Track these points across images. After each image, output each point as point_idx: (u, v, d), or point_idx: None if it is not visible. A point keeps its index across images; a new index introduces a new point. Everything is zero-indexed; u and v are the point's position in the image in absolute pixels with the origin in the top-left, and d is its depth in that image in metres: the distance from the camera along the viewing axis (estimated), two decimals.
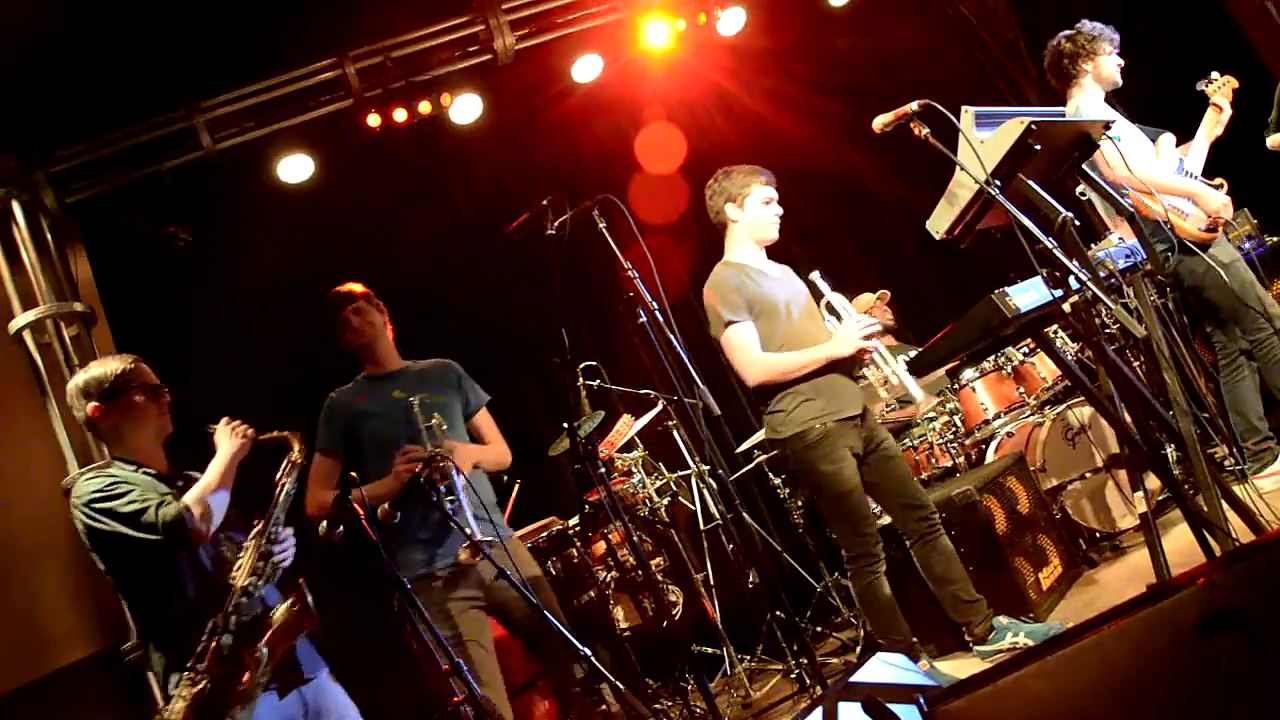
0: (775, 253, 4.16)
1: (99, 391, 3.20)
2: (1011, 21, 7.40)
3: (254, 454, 3.23)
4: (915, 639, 3.82)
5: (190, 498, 3.04)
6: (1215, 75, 4.72)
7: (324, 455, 3.71)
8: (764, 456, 5.67)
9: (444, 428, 3.60)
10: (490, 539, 3.35)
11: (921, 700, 1.60)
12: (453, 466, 3.43)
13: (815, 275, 4.07)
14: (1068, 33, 4.64)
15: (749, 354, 3.82)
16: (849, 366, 3.90)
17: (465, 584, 3.53)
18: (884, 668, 2.23)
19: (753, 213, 4.02)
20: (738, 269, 3.98)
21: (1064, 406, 4.95)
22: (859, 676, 2.18)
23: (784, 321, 3.89)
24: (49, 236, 5.38)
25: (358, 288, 3.93)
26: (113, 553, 3.03)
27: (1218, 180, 4.59)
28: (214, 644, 2.92)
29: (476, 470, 3.68)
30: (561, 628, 3.08)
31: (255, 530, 3.08)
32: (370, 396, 3.80)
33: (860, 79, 7.37)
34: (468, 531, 3.24)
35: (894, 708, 1.71)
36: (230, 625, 2.94)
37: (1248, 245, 5.20)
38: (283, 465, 3.23)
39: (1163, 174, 4.45)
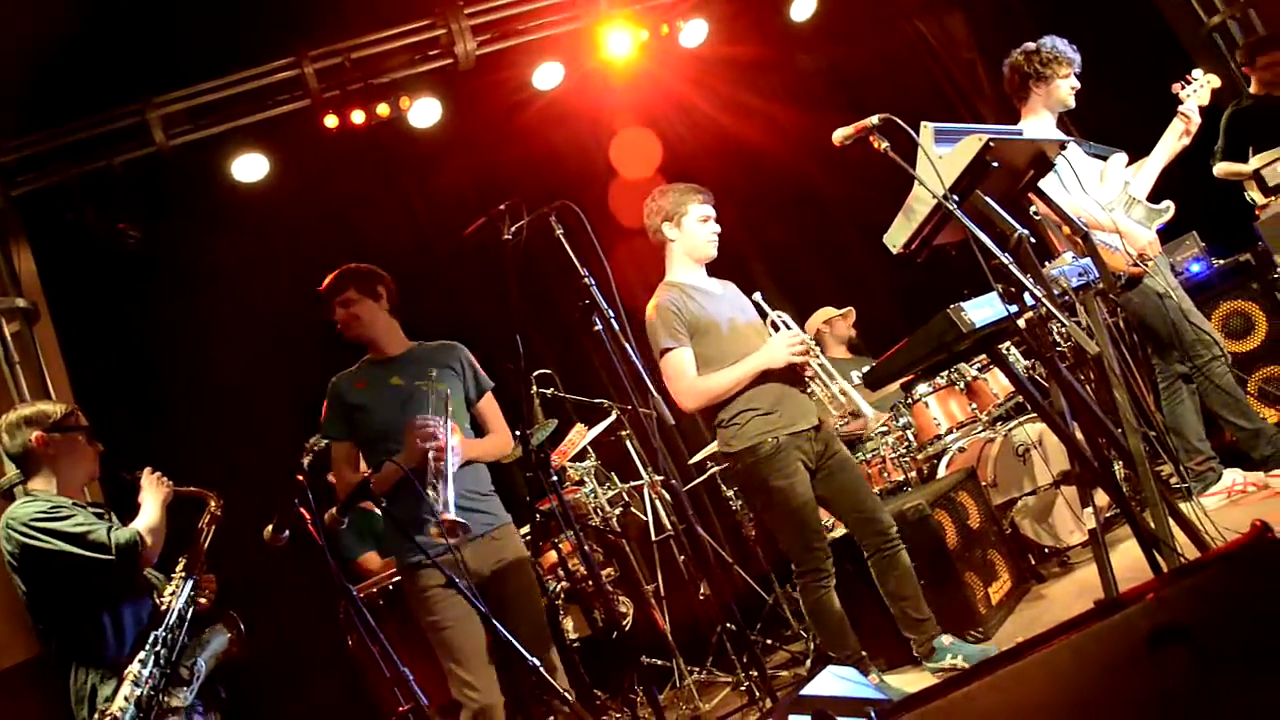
0: (733, 267, 4.15)
1: (47, 424, 3.32)
2: (970, 41, 7.52)
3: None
4: (864, 652, 3.82)
5: (141, 526, 3.24)
6: (1196, 74, 4.61)
7: (336, 443, 3.72)
8: (717, 468, 5.66)
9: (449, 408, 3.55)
10: (474, 528, 3.38)
11: (872, 714, 1.59)
12: (447, 455, 3.37)
13: (757, 296, 4.07)
14: (1027, 49, 4.53)
15: (683, 381, 3.82)
16: (796, 379, 3.90)
17: (450, 571, 3.35)
18: (835, 681, 2.22)
19: (690, 231, 4.01)
20: (678, 289, 3.96)
21: (1015, 423, 4.99)
22: (809, 689, 2.17)
23: (726, 339, 3.88)
24: None
25: (350, 271, 3.77)
26: (47, 572, 3.13)
27: (1165, 203, 4.52)
28: (155, 653, 3.11)
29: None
30: (510, 637, 3.01)
31: (184, 564, 3.36)
32: (369, 383, 3.71)
33: (822, 92, 7.43)
34: (438, 510, 3.20)
35: None
36: (167, 640, 3.16)
37: (1196, 266, 5.25)
38: (204, 516, 3.50)
39: (1091, 207, 4.33)
